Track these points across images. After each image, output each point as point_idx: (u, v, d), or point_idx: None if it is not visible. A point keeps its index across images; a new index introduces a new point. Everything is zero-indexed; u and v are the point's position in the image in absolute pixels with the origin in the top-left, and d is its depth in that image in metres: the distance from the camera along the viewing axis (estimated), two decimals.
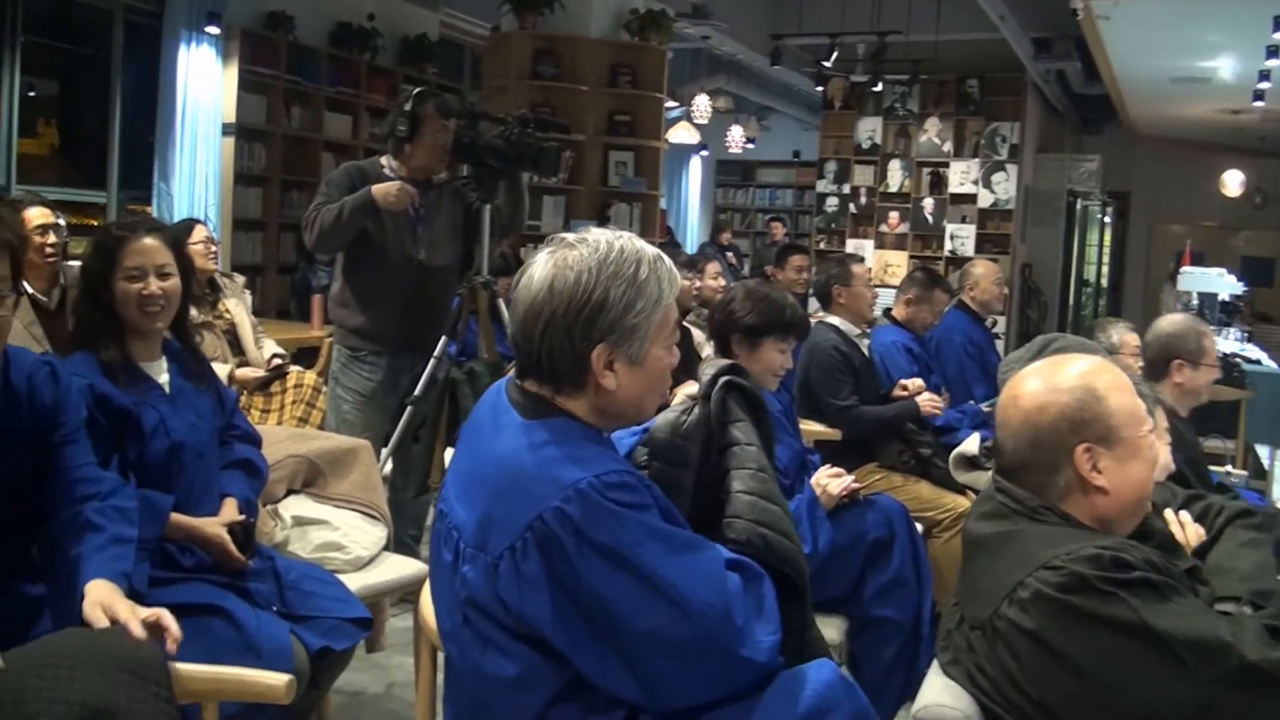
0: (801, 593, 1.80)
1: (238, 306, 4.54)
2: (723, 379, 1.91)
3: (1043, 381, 1.74)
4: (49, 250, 3.74)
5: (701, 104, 11.63)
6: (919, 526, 3.27)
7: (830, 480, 2.89)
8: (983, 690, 1.64)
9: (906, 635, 2.92)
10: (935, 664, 1.77)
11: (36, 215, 3.74)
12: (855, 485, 2.93)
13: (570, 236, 1.66)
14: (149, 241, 2.51)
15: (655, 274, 1.64)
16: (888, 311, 4.91)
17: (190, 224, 4.54)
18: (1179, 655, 1.49)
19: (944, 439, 4.19)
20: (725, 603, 1.57)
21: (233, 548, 2.44)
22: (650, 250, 1.66)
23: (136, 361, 2.49)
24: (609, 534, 1.52)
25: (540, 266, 1.63)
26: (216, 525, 2.45)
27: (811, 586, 2.67)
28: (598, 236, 1.65)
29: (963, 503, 3.88)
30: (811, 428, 3.97)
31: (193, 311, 3.78)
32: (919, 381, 4.20)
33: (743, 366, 1.98)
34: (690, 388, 2.02)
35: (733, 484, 1.84)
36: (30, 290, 3.64)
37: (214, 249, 4.53)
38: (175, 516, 2.41)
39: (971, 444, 3.39)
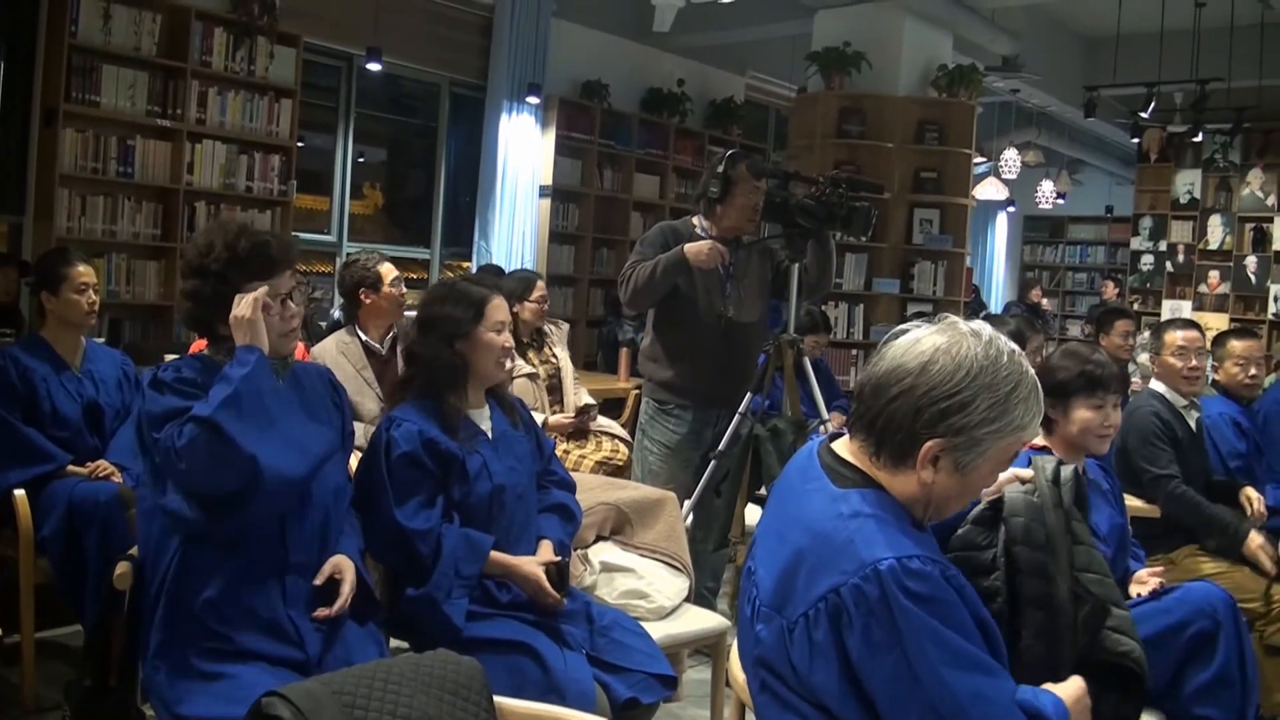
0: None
1: (564, 353, 4.75)
2: (1064, 466, 1.84)
3: None
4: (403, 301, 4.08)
5: (1010, 158, 11.30)
6: None
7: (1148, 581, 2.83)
8: None
9: None
10: None
11: (392, 270, 4.10)
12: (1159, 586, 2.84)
13: (966, 326, 1.62)
14: (502, 299, 2.72)
15: (1025, 403, 1.59)
16: (1213, 381, 4.51)
17: (532, 280, 4.69)
18: None
19: (1272, 522, 3.81)
20: None
21: (548, 586, 2.56)
22: (1032, 376, 1.61)
23: (464, 409, 2.66)
24: (894, 627, 1.47)
25: (929, 340, 1.61)
26: (533, 564, 2.58)
27: None
28: (993, 338, 1.61)
29: None
30: (1131, 503, 3.71)
31: (520, 361, 4.01)
32: (1255, 495, 3.84)
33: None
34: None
35: (1093, 589, 1.81)
36: (364, 338, 3.98)
37: (546, 304, 4.72)
38: (494, 554, 2.56)
39: None
